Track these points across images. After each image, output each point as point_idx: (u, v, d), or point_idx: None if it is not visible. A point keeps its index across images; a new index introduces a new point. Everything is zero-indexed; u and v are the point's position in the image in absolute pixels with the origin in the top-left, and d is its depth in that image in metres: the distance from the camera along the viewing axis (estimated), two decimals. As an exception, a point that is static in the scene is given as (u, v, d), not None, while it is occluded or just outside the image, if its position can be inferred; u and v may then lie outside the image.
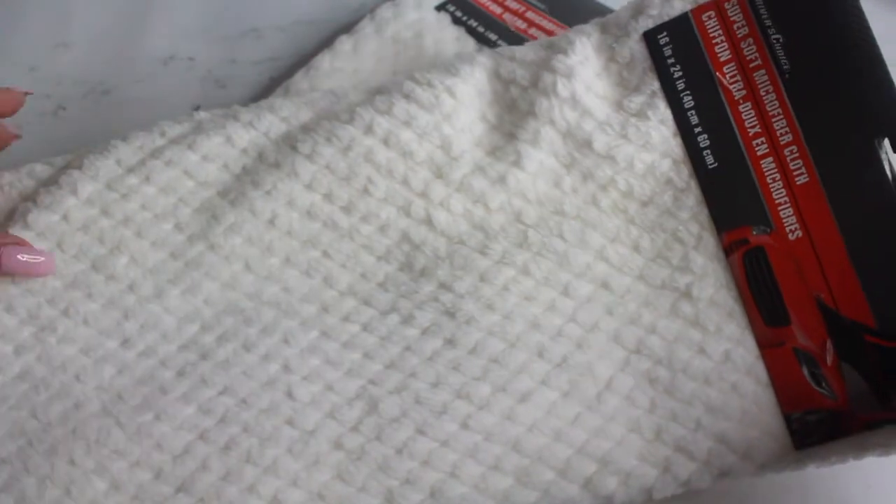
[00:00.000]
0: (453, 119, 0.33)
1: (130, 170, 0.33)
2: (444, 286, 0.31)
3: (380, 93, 0.33)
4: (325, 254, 0.32)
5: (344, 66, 0.40)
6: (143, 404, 0.29)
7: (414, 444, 0.29)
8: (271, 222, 0.32)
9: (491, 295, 0.31)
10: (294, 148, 0.33)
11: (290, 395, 0.30)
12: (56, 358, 0.30)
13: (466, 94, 0.33)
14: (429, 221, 0.32)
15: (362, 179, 0.32)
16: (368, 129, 0.33)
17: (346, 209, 0.32)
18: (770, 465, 0.29)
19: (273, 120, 0.34)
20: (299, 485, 0.28)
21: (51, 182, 0.32)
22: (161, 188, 0.33)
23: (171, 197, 0.33)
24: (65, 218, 0.32)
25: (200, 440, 0.29)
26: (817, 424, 0.28)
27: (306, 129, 0.33)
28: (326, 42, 0.37)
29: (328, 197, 0.33)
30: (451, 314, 0.31)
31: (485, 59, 0.33)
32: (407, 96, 0.33)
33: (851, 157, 0.28)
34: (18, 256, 0.30)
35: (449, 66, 0.33)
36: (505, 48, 0.34)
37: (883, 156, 0.28)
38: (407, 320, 0.31)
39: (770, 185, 0.29)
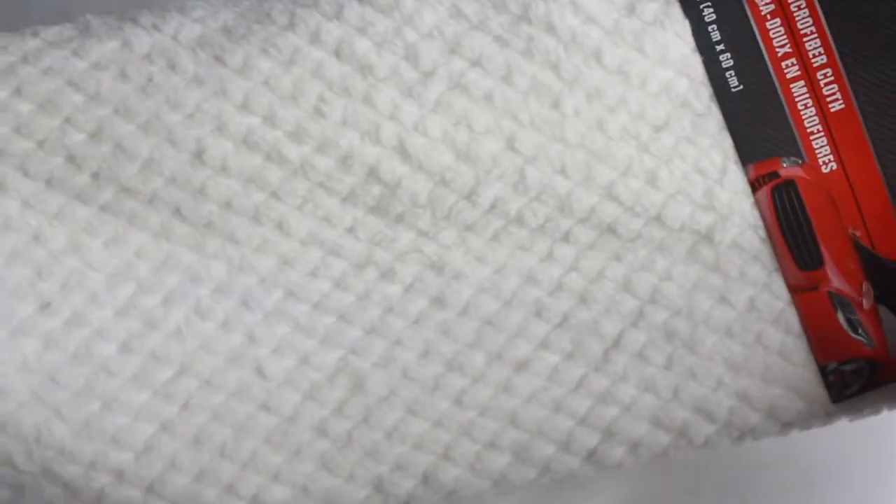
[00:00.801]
0: (415, 21, 0.26)
1: None
2: (425, 234, 0.26)
3: None
4: (274, 195, 0.25)
5: None
6: (86, 389, 0.23)
7: (405, 426, 0.25)
8: (198, 156, 0.25)
9: (480, 246, 0.26)
10: (219, 59, 0.25)
11: (260, 372, 0.25)
12: None
13: None
14: (402, 150, 0.25)
15: (312, 98, 0.25)
16: (315, 38, 0.25)
17: (295, 135, 0.25)
18: (797, 422, 0.26)
19: (183, 21, 0.25)
20: (282, 480, 0.24)
21: None
22: (39, 104, 0.24)
23: (53, 117, 0.24)
24: None
25: (164, 432, 0.23)
26: (855, 374, 0.26)
27: (231, 35, 0.25)
28: None
29: (269, 120, 0.25)
30: (437, 268, 0.26)
31: None
32: None
33: (893, 83, 0.26)
34: None
35: None
36: None
37: (927, 79, 0.26)
38: (386, 275, 0.25)
39: (801, 112, 0.26)
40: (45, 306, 0.24)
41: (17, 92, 0.24)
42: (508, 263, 0.26)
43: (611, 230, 0.26)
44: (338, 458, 0.25)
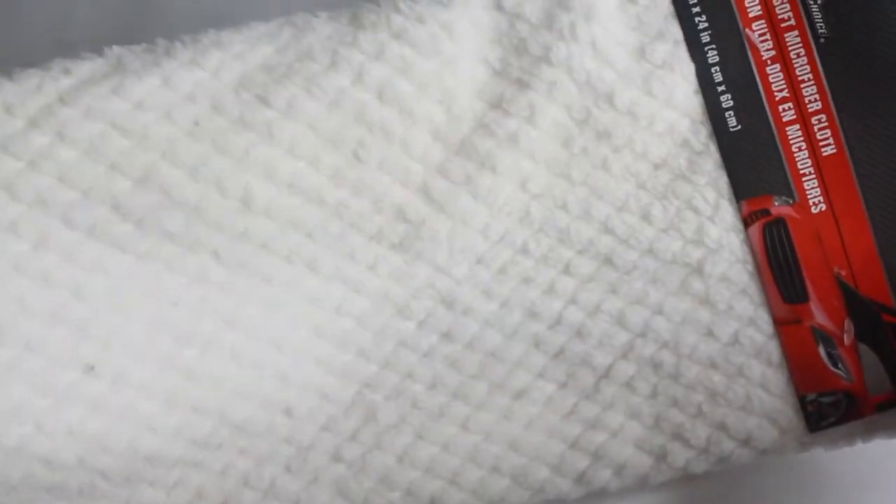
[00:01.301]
0: (456, 67, 0.26)
1: (33, 123, 0.23)
2: (440, 270, 0.27)
3: (359, 26, 0.26)
4: (309, 235, 0.26)
5: None
6: (130, 450, 0.24)
7: (414, 451, 0.27)
8: (245, 203, 0.25)
9: (488, 280, 0.27)
10: (263, 100, 0.25)
11: (288, 413, 0.26)
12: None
13: (466, 32, 0.26)
14: (426, 192, 0.26)
15: (352, 143, 0.25)
16: (358, 79, 0.25)
17: (334, 179, 0.25)
18: (773, 450, 0.28)
19: (223, 57, 0.25)
20: None
21: None
22: (84, 150, 0.23)
23: (98, 164, 0.23)
24: None
25: (194, 469, 0.25)
26: (832, 406, 0.27)
27: (272, 73, 0.25)
28: None
29: (313, 164, 0.25)
30: (448, 303, 0.27)
31: None
32: (398, 36, 0.25)
33: (883, 132, 0.27)
34: None
35: None
36: None
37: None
38: (402, 311, 0.27)
39: (795, 154, 0.28)
40: (89, 369, 0.24)
41: (60, 137, 0.23)
42: (513, 298, 0.27)
43: (608, 261, 0.27)
44: (352, 485, 0.26)
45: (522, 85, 0.27)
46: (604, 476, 0.27)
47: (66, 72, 0.24)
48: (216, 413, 0.25)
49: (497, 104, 0.27)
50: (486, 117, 0.27)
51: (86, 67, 0.24)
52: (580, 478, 0.27)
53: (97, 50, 0.33)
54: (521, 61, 0.27)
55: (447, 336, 0.27)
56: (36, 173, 0.23)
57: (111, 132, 0.23)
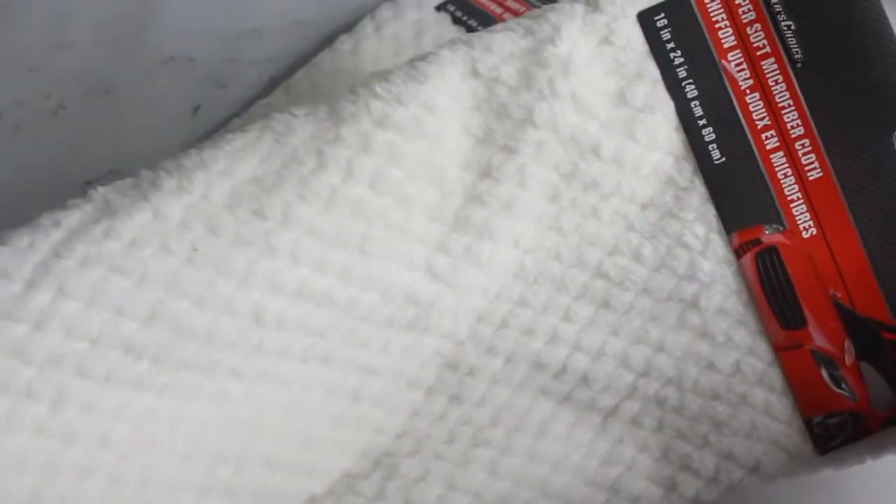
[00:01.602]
0: (442, 143, 0.25)
1: (30, 284, 0.22)
2: (445, 335, 0.28)
3: (339, 120, 0.25)
4: (321, 335, 0.26)
5: (345, 66, 0.35)
6: None
7: (446, 502, 0.27)
8: (258, 319, 0.24)
9: (490, 336, 0.28)
10: (258, 214, 0.24)
11: (312, 499, 0.27)
12: None
13: (446, 107, 0.26)
14: (431, 271, 0.26)
15: (355, 239, 0.25)
16: (349, 175, 0.25)
17: (343, 278, 0.25)
18: (783, 474, 0.28)
19: (208, 178, 0.24)
20: None
21: None
22: (86, 301, 0.23)
23: (103, 311, 0.23)
24: None
25: None
26: (839, 427, 0.28)
27: (261, 184, 0.24)
28: (326, 42, 0.36)
29: (319, 268, 0.25)
30: (453, 366, 0.28)
31: (453, 54, 0.26)
32: (381, 123, 0.25)
33: (867, 152, 0.27)
34: None
35: (411, 72, 0.25)
36: (473, 36, 0.27)
37: (901, 148, 0.27)
38: (412, 384, 0.28)
39: (781, 181, 0.28)
40: None
41: (61, 292, 0.22)
42: (517, 351, 0.28)
43: (605, 304, 0.28)
44: None
45: (509, 150, 0.26)
46: None
47: (56, 224, 0.23)
48: None
49: (486, 173, 0.26)
50: (476, 188, 0.26)
51: (75, 216, 0.23)
52: None
53: (92, 60, 0.34)
54: (503, 126, 0.26)
55: (456, 398, 0.28)
56: (42, 333, 0.22)
57: (110, 276, 0.23)
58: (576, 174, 0.27)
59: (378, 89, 0.25)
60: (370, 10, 0.38)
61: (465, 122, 0.26)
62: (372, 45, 0.37)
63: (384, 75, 0.26)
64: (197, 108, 0.34)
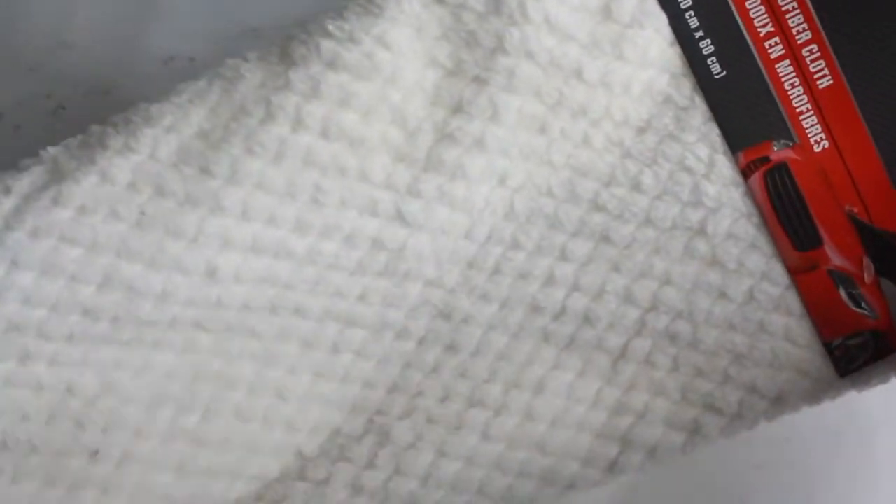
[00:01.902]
0: (398, 80, 0.24)
1: None
2: (431, 283, 0.26)
3: (290, 64, 0.24)
4: (287, 286, 0.25)
5: None
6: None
7: (437, 469, 0.26)
8: (211, 275, 0.24)
9: (483, 282, 0.26)
10: (206, 171, 0.24)
11: (300, 455, 0.26)
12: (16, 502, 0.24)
13: (404, 39, 0.24)
14: (400, 216, 0.25)
15: (308, 188, 0.24)
16: (298, 123, 0.24)
17: (297, 229, 0.25)
18: (806, 401, 0.27)
19: (156, 134, 0.24)
20: None
21: None
22: (40, 271, 0.23)
23: (58, 279, 0.23)
24: None
25: None
26: (860, 348, 0.26)
27: (208, 139, 0.24)
28: None
29: (272, 222, 0.24)
30: (445, 315, 0.26)
31: None
32: (331, 64, 0.24)
33: (881, 53, 0.25)
34: None
35: (367, 5, 0.24)
36: None
37: (917, 48, 0.25)
38: (401, 334, 0.26)
39: (789, 93, 0.25)
40: (94, 454, 0.24)
41: (14, 264, 0.23)
42: (512, 296, 0.26)
43: (605, 239, 0.26)
44: None
45: (480, 82, 0.25)
46: (635, 460, 0.27)
47: (7, 191, 0.23)
48: (228, 472, 0.25)
49: (458, 108, 0.25)
50: (448, 125, 0.25)
51: (24, 182, 0.23)
52: (611, 467, 0.27)
53: (92, 60, 0.36)
54: (474, 56, 0.25)
55: (451, 348, 0.26)
56: (1, 303, 0.23)
57: (61, 246, 0.23)
58: (562, 102, 0.25)
59: (330, 27, 0.24)
60: None
61: (431, 53, 0.25)
62: (349, 12, 0.34)
63: (339, 10, 0.24)
64: None
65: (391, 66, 0.24)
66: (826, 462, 0.31)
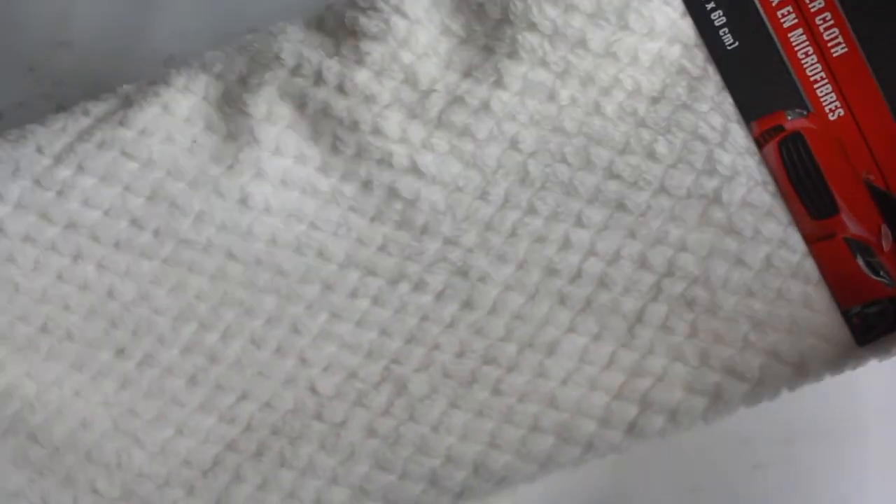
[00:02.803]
0: (411, 43, 0.27)
1: (58, 159, 0.27)
2: (449, 241, 0.27)
3: (323, 29, 0.28)
4: (313, 225, 0.28)
5: None
6: (160, 418, 0.26)
7: (448, 418, 0.27)
8: (243, 202, 0.27)
9: (500, 244, 0.27)
10: (245, 112, 0.28)
11: (313, 390, 0.27)
12: (45, 375, 0.26)
13: (420, 8, 0.27)
14: (415, 169, 0.27)
15: (328, 137, 0.28)
16: (319, 78, 0.27)
17: (322, 170, 0.28)
18: (827, 370, 0.27)
19: (208, 80, 0.28)
20: (339, 482, 0.26)
21: None
22: (100, 177, 0.27)
23: (114, 186, 0.27)
24: (1, 231, 0.27)
25: (229, 450, 0.27)
26: (879, 316, 0.26)
27: (246, 84, 0.28)
28: None
29: (300, 160, 0.28)
30: (463, 273, 0.27)
31: None
32: (352, 30, 0.27)
33: (895, 19, 0.25)
34: None
35: None
36: None
37: (932, 13, 0.25)
38: (418, 286, 0.27)
39: (802, 62, 0.26)
40: (120, 351, 0.27)
41: (80, 168, 0.27)
42: (529, 258, 0.27)
43: (620, 206, 0.27)
44: (389, 456, 0.26)
45: (487, 50, 0.27)
46: (656, 423, 0.26)
47: (86, 113, 0.28)
48: (238, 391, 0.27)
49: (467, 73, 0.27)
50: (458, 88, 0.27)
51: (101, 107, 0.28)
52: (631, 428, 0.26)
53: (92, 60, 0.37)
54: (483, 26, 0.27)
55: (468, 304, 0.27)
56: (64, 200, 0.27)
57: (121, 158, 0.27)
58: (569, 70, 0.27)
59: (359, 0, 0.27)
60: None
61: (445, 23, 0.27)
62: None
63: None
64: None
65: (405, 31, 0.27)
66: (826, 462, 0.30)
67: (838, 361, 0.26)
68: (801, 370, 0.26)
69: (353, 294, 0.27)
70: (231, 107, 0.28)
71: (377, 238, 0.27)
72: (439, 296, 0.27)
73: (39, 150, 0.27)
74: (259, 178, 0.28)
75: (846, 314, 0.26)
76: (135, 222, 0.27)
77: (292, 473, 0.26)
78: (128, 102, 0.28)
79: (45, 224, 0.27)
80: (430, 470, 0.26)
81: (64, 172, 0.27)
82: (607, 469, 0.30)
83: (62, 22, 0.37)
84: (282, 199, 0.28)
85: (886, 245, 0.26)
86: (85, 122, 0.28)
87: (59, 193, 0.27)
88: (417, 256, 0.27)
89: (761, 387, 0.26)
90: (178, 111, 0.28)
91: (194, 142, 0.28)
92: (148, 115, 0.27)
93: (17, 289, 0.27)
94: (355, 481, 0.26)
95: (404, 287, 0.27)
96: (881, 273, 0.26)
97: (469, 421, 0.27)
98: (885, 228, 0.26)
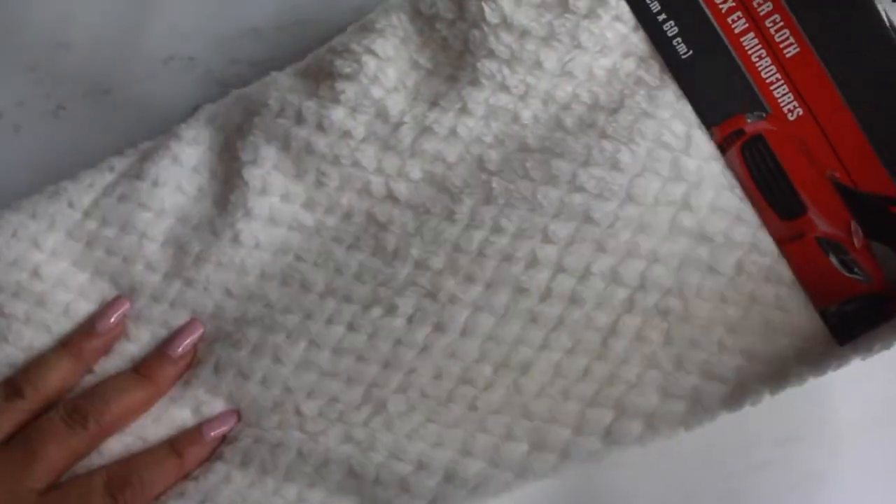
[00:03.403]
0: (381, 79, 0.28)
1: (86, 213, 0.30)
2: (419, 265, 0.28)
3: (307, 75, 0.30)
4: (297, 257, 0.29)
5: None
6: None
7: (423, 429, 0.27)
8: (235, 240, 0.29)
9: (468, 264, 0.27)
10: (237, 158, 0.30)
11: (298, 412, 0.28)
12: None
13: (390, 48, 0.28)
14: (391, 196, 0.28)
15: (312, 174, 0.29)
16: (300, 118, 0.29)
17: (307, 206, 0.29)
18: (809, 370, 0.26)
19: (210, 132, 0.31)
20: (317, 487, 0.27)
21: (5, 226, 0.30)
22: (120, 227, 0.30)
23: (132, 234, 0.30)
24: (36, 275, 0.30)
25: (217, 460, 0.28)
26: (857, 314, 0.26)
27: (241, 131, 0.30)
28: (326, 42, 0.35)
29: (285, 198, 0.30)
30: (432, 295, 0.27)
31: (400, 0, 0.29)
32: (329, 72, 0.29)
33: (844, 16, 0.25)
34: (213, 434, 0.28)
35: (366, 23, 0.29)
36: None
37: (879, 7, 0.25)
38: (390, 311, 0.28)
39: (756, 64, 0.26)
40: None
41: (104, 222, 0.30)
42: (496, 278, 0.27)
43: (587, 219, 0.27)
44: (363, 461, 0.27)
45: (453, 79, 0.28)
46: (633, 428, 0.26)
47: (111, 168, 0.31)
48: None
49: (434, 102, 0.28)
50: (427, 118, 0.28)
51: (123, 162, 0.31)
52: (608, 434, 0.26)
53: (92, 60, 0.36)
54: (448, 57, 0.28)
55: (439, 327, 0.27)
56: (91, 250, 0.30)
57: (137, 209, 0.30)
58: (529, 92, 0.27)
59: (335, 44, 0.29)
60: (370, 11, 0.35)
61: (413, 58, 0.29)
62: (351, 30, 0.37)
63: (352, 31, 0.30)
64: (197, 108, 0.34)
65: (374, 68, 0.28)
66: (826, 462, 0.30)
67: (819, 362, 0.26)
68: (780, 372, 0.26)
69: (330, 321, 0.28)
70: (228, 153, 0.30)
71: (353, 266, 0.28)
72: (410, 319, 0.28)
73: (71, 205, 0.30)
74: (248, 217, 0.29)
75: (824, 314, 0.26)
76: (149, 266, 0.30)
77: (274, 481, 0.27)
78: (145, 157, 0.31)
79: (75, 270, 0.30)
80: (400, 477, 0.27)
81: (91, 226, 0.30)
82: (608, 470, 0.30)
83: (62, 22, 0.37)
84: (270, 235, 0.29)
85: (858, 241, 0.26)
86: (109, 177, 0.31)
87: (89, 245, 0.30)
88: (389, 282, 0.28)
89: (740, 389, 0.26)
90: (187, 161, 0.30)
91: (200, 190, 0.30)
92: (160, 167, 0.30)
93: (49, 331, 0.29)
94: (331, 486, 0.27)
95: (376, 312, 0.28)
96: (855, 270, 0.26)
97: (443, 430, 0.27)
98: (854, 225, 0.26)
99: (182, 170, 0.30)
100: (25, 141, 0.34)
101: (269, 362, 0.28)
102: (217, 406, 0.28)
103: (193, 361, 0.29)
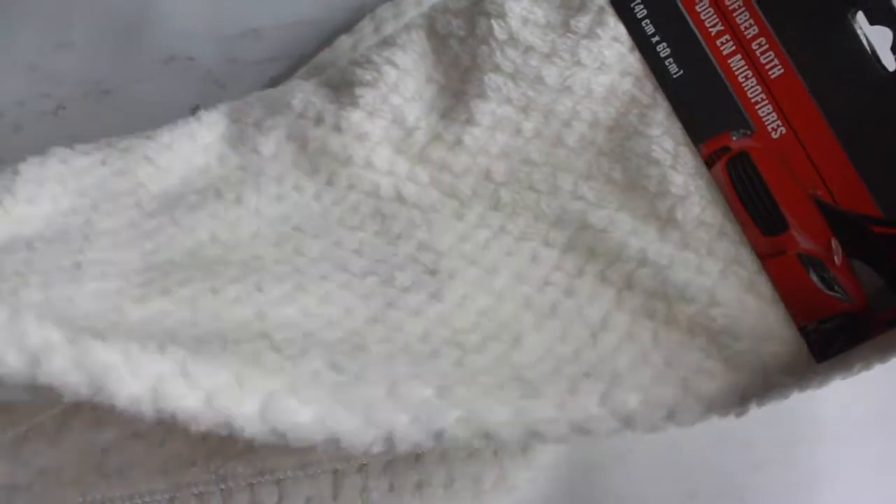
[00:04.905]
0: (401, 88, 0.30)
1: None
2: (423, 246, 0.29)
3: (328, 84, 0.31)
4: (297, 228, 0.30)
5: None
6: None
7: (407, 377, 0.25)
8: (237, 202, 0.30)
9: (471, 250, 0.29)
10: (256, 151, 0.31)
11: (265, 335, 0.26)
12: None
13: (409, 62, 0.30)
14: (399, 197, 0.30)
15: (324, 173, 0.31)
16: (319, 119, 0.31)
17: (316, 196, 0.31)
18: (791, 385, 0.26)
19: (227, 123, 0.31)
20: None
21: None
22: (118, 170, 0.29)
23: (130, 181, 0.29)
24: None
25: None
26: (837, 332, 0.26)
27: (261, 128, 0.31)
28: (326, 42, 0.37)
29: (297, 188, 0.31)
30: (432, 272, 0.28)
31: (420, 18, 0.31)
32: (350, 81, 0.31)
33: (825, 39, 0.26)
34: None
35: (387, 38, 0.31)
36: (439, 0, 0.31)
37: (858, 31, 0.26)
38: (386, 281, 0.28)
39: (743, 84, 0.27)
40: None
41: (102, 162, 0.29)
42: (499, 265, 0.28)
43: (583, 224, 0.28)
44: (347, 360, 0.25)
45: (461, 93, 0.30)
46: (630, 400, 0.24)
47: (149, 137, 0.30)
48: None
49: (445, 114, 0.30)
50: (437, 127, 0.30)
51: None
52: (604, 398, 0.24)
53: (92, 60, 0.37)
54: (459, 72, 0.30)
55: (435, 297, 0.28)
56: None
57: (142, 161, 0.30)
58: (532, 105, 0.29)
59: (356, 55, 0.31)
60: (370, 10, 0.39)
61: (429, 73, 0.31)
62: (372, 45, 0.39)
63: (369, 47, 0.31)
64: (197, 108, 0.35)
65: (395, 78, 0.30)
66: (826, 463, 0.29)
67: (801, 378, 0.26)
68: (766, 382, 0.25)
69: (323, 277, 0.28)
70: (245, 145, 0.31)
71: (353, 242, 0.29)
72: (406, 289, 0.28)
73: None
74: (255, 191, 0.30)
75: (803, 331, 0.26)
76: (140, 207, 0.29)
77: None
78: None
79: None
80: (391, 381, 0.24)
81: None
82: (607, 470, 0.30)
83: (62, 22, 0.37)
84: (272, 208, 0.30)
85: (838, 259, 0.26)
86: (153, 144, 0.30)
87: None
88: (390, 257, 0.29)
89: (733, 387, 0.25)
90: (201, 140, 0.31)
91: (207, 166, 0.31)
92: (175, 135, 0.30)
93: None
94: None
95: (371, 280, 0.28)
96: (835, 288, 0.26)
97: (425, 375, 0.25)
98: (834, 243, 0.26)
99: (195, 146, 0.31)
100: (25, 141, 0.34)
101: (252, 289, 0.27)
102: None
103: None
